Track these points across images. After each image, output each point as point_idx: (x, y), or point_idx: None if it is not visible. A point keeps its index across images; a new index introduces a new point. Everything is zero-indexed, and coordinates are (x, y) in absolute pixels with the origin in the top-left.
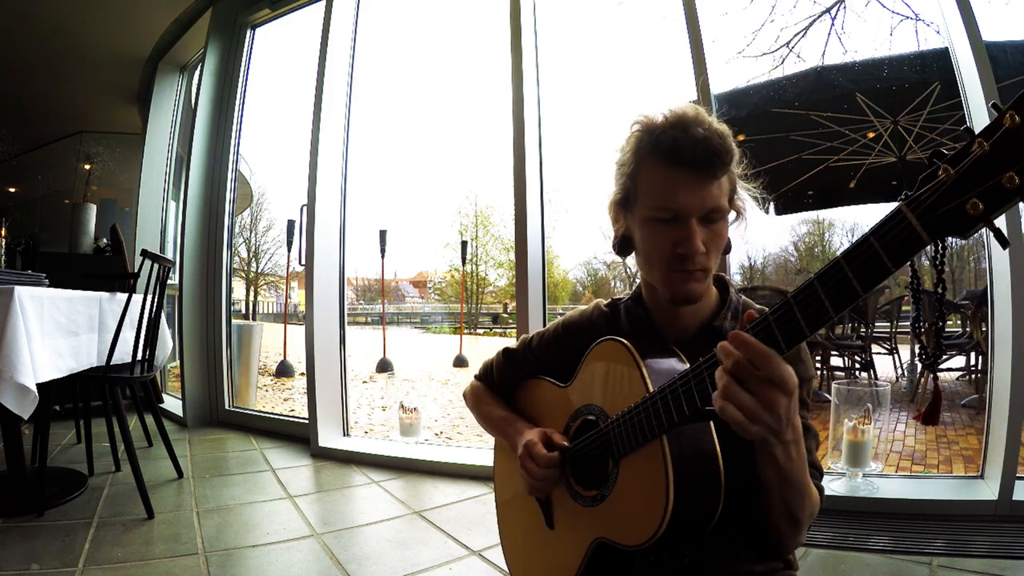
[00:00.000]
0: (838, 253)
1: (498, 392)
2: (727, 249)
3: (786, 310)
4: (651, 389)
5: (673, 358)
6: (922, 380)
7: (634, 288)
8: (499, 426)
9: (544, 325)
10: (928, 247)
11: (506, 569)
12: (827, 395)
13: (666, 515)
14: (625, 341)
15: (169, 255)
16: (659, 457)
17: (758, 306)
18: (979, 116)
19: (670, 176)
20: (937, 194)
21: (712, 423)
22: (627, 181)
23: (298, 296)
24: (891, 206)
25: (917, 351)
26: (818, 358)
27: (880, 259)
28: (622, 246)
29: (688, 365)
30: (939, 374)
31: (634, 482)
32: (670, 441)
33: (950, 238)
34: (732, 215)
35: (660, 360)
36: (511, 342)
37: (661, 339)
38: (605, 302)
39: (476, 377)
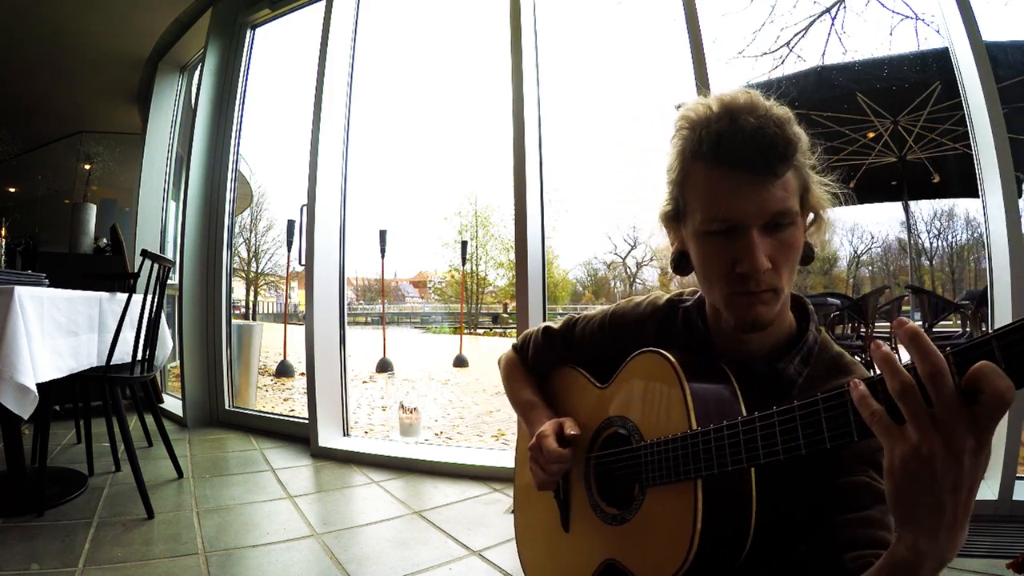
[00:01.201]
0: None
1: (531, 370)
2: (807, 259)
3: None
4: (693, 421)
5: (723, 386)
6: None
7: (699, 293)
8: (523, 409)
9: (594, 311)
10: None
11: (506, 569)
12: None
13: (686, 561)
14: (672, 358)
15: (169, 255)
16: (690, 501)
17: (837, 349)
18: (979, 116)
19: (719, 179)
20: None
21: (753, 469)
22: (675, 190)
23: (298, 296)
24: (891, 206)
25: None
26: None
27: None
28: (678, 264)
29: (739, 396)
30: None
31: (658, 517)
32: (705, 486)
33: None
34: (810, 216)
35: (708, 387)
36: (509, 343)
37: (714, 359)
38: (664, 298)
39: (513, 347)
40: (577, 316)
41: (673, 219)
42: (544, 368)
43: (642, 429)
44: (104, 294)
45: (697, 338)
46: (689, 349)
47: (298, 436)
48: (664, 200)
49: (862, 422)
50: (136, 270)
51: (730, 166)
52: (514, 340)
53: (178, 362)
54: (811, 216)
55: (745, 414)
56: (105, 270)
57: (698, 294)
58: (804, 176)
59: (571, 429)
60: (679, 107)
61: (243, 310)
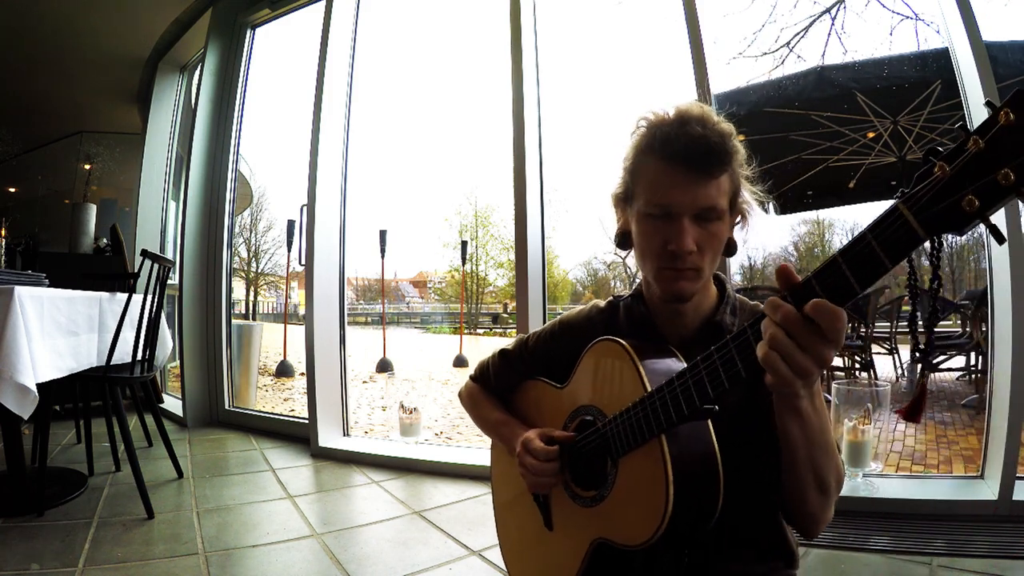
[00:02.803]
0: (835, 251)
1: (495, 393)
2: (730, 251)
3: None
4: (649, 388)
5: (671, 357)
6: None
7: (635, 286)
8: (497, 429)
9: (544, 325)
10: (925, 244)
11: (506, 570)
12: (827, 395)
13: (666, 514)
14: (622, 340)
15: (169, 255)
16: (658, 456)
17: (752, 302)
18: (979, 116)
19: (664, 172)
20: (933, 191)
21: (709, 421)
22: (627, 176)
23: (298, 296)
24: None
25: (912, 349)
26: None
27: (877, 256)
28: (622, 240)
29: (678, 354)
30: (931, 372)
31: (633, 481)
32: (668, 440)
33: (947, 234)
34: (738, 217)
35: (658, 359)
36: (509, 342)
37: (659, 338)
38: (603, 302)
39: (471, 378)
40: (527, 335)
41: (622, 200)
42: (506, 387)
43: (605, 410)
44: (104, 294)
45: (639, 320)
46: (635, 335)
47: (298, 436)
48: (617, 184)
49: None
50: (136, 270)
51: (673, 162)
52: (471, 372)
53: (178, 362)
54: (739, 217)
55: None
56: (105, 270)
57: (634, 288)
58: (736, 183)
59: (559, 435)
60: (640, 117)
61: (243, 310)
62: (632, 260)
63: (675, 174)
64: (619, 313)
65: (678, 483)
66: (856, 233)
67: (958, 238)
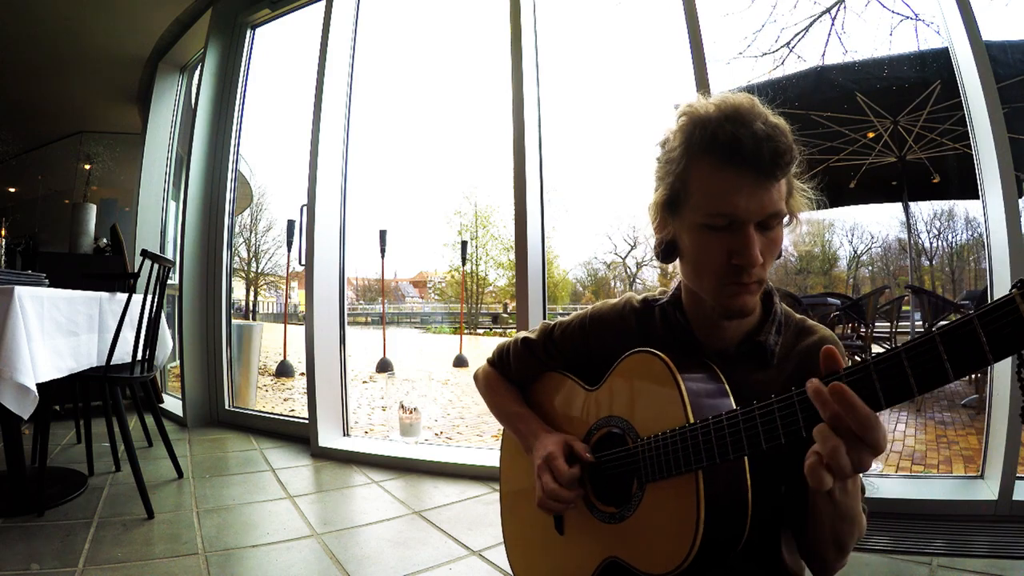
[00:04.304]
0: (934, 329)
1: (513, 381)
2: (779, 255)
3: (888, 366)
4: (690, 415)
5: (715, 382)
6: None
7: (673, 289)
8: (513, 422)
9: (569, 316)
10: None
11: (506, 569)
12: None
13: (692, 551)
14: (666, 357)
15: (169, 255)
16: (692, 493)
17: (798, 316)
18: (979, 116)
19: (728, 178)
20: None
21: (746, 457)
22: (675, 181)
23: (298, 296)
24: (891, 206)
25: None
26: None
27: (981, 347)
28: (666, 252)
29: (726, 386)
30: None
31: (661, 510)
32: (705, 477)
33: None
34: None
35: (701, 383)
36: (532, 330)
37: (701, 355)
38: (638, 298)
39: (489, 361)
40: (552, 323)
41: (668, 208)
42: (527, 376)
43: (637, 427)
44: (104, 294)
45: (678, 330)
46: (672, 344)
47: (298, 436)
48: (659, 189)
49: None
50: (136, 270)
51: (739, 166)
52: (488, 355)
53: (178, 362)
54: (790, 217)
55: (733, 404)
56: (105, 270)
57: (670, 292)
58: (791, 182)
59: (582, 452)
60: (678, 106)
61: (243, 310)
62: (632, 261)
63: (740, 178)
64: (655, 316)
65: (708, 523)
66: (857, 235)
67: (956, 238)
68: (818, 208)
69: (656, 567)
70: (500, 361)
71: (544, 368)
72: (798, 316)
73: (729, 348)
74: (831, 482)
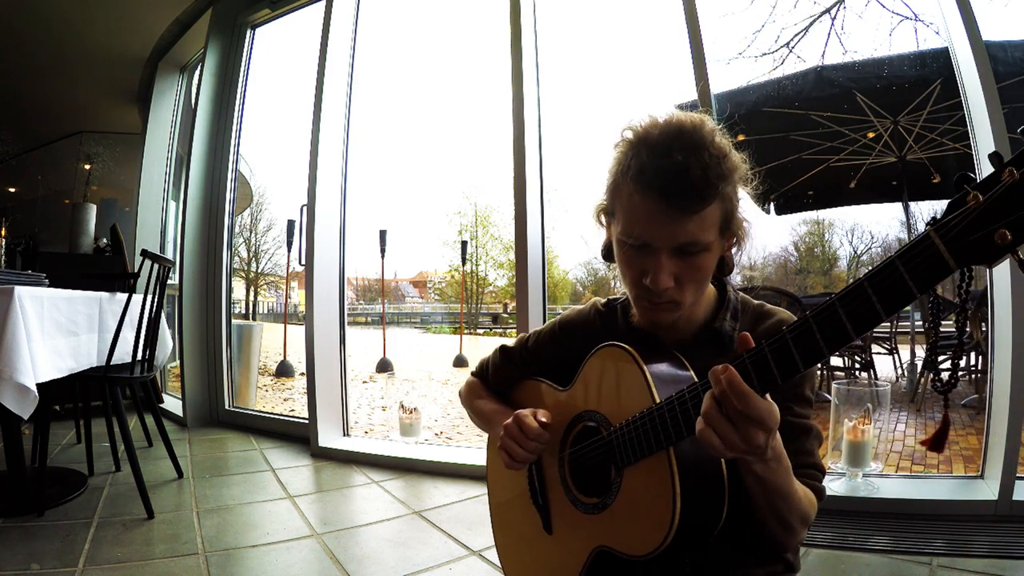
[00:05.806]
0: (862, 276)
1: (493, 390)
2: (724, 271)
3: (792, 335)
4: (656, 397)
5: (677, 366)
6: (922, 380)
7: None
8: (490, 419)
9: (544, 324)
10: (954, 273)
11: (503, 570)
12: (827, 395)
13: (672, 527)
14: (628, 347)
15: (169, 255)
16: (666, 469)
17: (756, 302)
18: (979, 116)
19: (639, 204)
20: (966, 221)
21: None
22: (610, 195)
23: (298, 296)
24: (891, 206)
25: (931, 378)
26: None
27: (905, 284)
28: (607, 254)
29: (691, 371)
30: (951, 402)
31: (639, 492)
32: (677, 453)
33: (975, 265)
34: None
35: (664, 367)
36: (512, 340)
37: (662, 343)
38: (602, 301)
39: (472, 374)
40: (529, 333)
41: (606, 215)
42: (505, 384)
43: (610, 417)
44: (104, 294)
45: (636, 326)
46: (633, 339)
47: (298, 436)
48: (602, 197)
49: (792, 360)
50: (136, 270)
51: (648, 195)
52: (472, 369)
53: (178, 362)
54: (733, 239)
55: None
56: (105, 270)
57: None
58: (729, 207)
59: (543, 416)
60: (625, 126)
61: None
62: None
63: (650, 207)
64: (618, 316)
65: (685, 497)
66: (857, 235)
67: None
68: (762, 207)
69: (639, 548)
70: (481, 372)
71: (522, 376)
72: (756, 302)
73: (686, 338)
74: (718, 444)
